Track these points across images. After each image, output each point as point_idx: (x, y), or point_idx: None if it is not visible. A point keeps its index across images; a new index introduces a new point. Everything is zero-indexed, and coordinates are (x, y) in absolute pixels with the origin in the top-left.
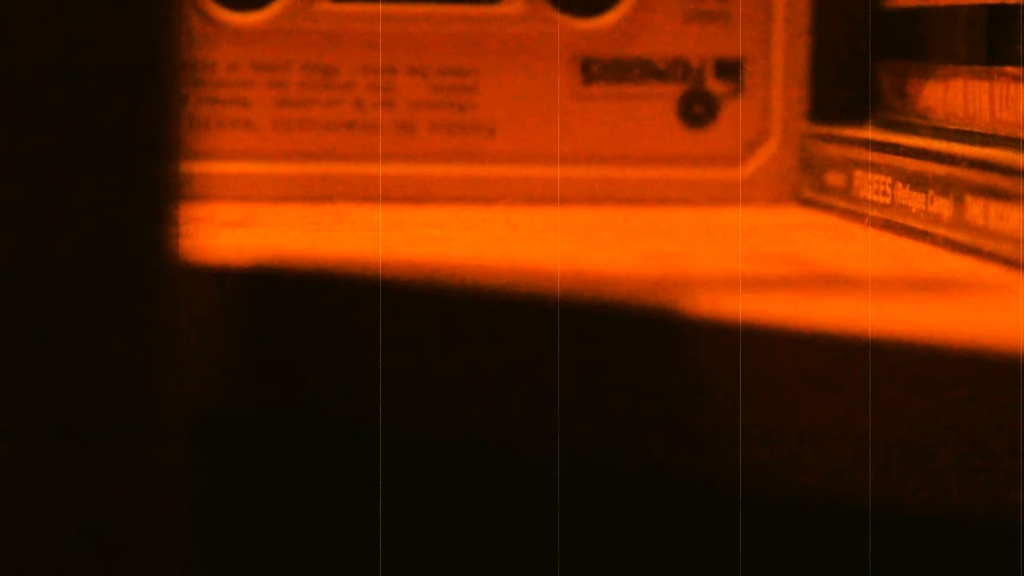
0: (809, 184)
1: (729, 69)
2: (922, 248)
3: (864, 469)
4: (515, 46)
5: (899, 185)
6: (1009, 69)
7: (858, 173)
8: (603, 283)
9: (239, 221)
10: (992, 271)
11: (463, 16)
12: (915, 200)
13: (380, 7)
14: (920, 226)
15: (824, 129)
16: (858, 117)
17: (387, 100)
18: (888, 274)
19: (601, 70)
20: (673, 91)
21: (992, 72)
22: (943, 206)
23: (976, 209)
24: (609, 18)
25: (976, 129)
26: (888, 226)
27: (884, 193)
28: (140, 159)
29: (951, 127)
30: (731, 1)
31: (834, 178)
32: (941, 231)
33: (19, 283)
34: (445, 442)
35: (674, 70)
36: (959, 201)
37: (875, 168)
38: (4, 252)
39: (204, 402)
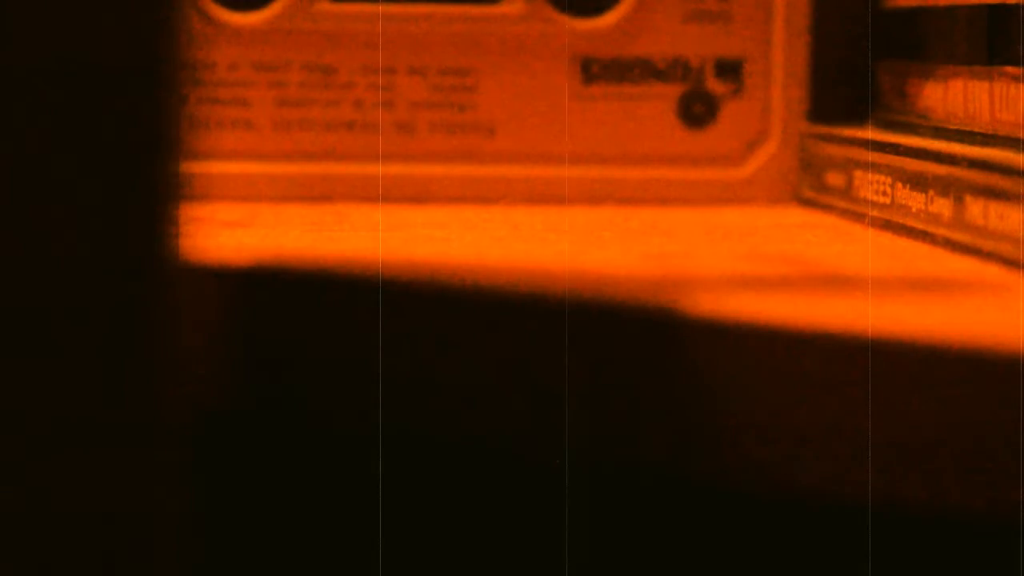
0: (809, 184)
1: (729, 69)
2: (922, 248)
3: (864, 469)
4: (515, 46)
5: (899, 185)
6: (1009, 69)
7: (858, 173)
8: (603, 283)
9: (239, 221)
10: (992, 271)
11: (463, 16)
12: (915, 200)
13: (380, 7)
14: (920, 226)
15: (824, 129)
16: (858, 117)
17: (387, 100)
18: (888, 274)
19: (601, 70)
20: (673, 91)
21: (992, 72)
22: (943, 206)
23: (976, 209)
24: (609, 18)
25: (976, 129)
26: (888, 226)
27: (884, 193)
28: (140, 159)
29: (951, 127)
30: (731, 1)
31: (834, 178)
32: (941, 231)
33: (19, 283)
34: (445, 442)
35: (674, 70)
36: (959, 201)
37: (875, 168)
38: (4, 252)
39: (204, 402)
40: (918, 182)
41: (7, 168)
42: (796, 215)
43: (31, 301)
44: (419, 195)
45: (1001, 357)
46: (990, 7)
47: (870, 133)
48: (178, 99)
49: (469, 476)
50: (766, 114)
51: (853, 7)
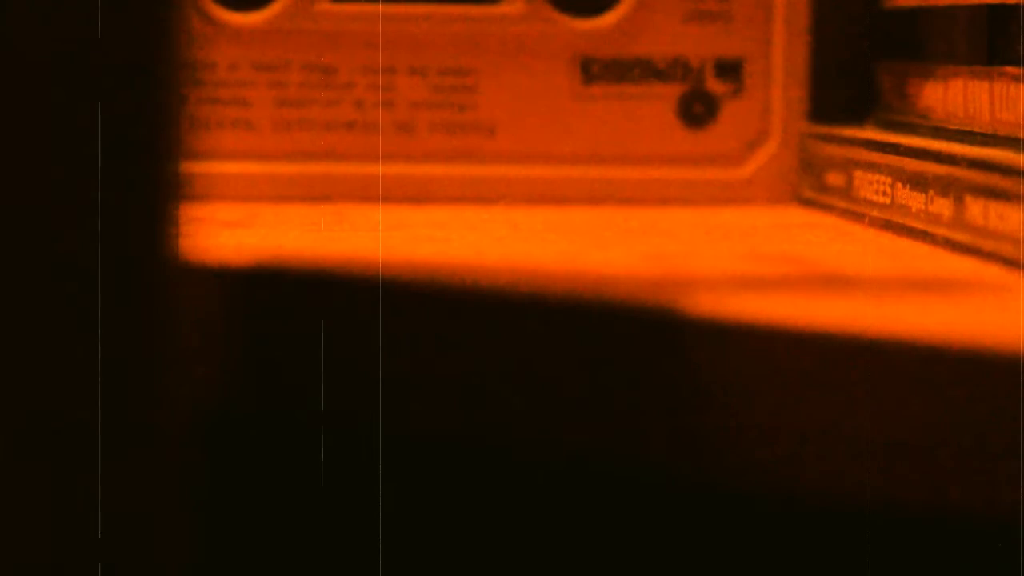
0: (809, 184)
1: (729, 69)
2: (922, 248)
3: (864, 469)
4: (515, 46)
5: (899, 185)
6: (1009, 69)
7: (858, 173)
8: (603, 283)
9: (239, 221)
10: (992, 271)
11: (463, 16)
12: (915, 200)
13: (380, 7)
14: (920, 226)
15: (824, 129)
16: (858, 117)
17: (387, 100)
18: (888, 274)
19: (601, 70)
20: (673, 91)
21: (992, 72)
22: (943, 206)
23: (976, 209)
24: (609, 18)
25: (976, 129)
26: (888, 226)
27: (884, 193)
28: (140, 159)
29: (951, 127)
30: (731, 1)
31: (834, 178)
32: (941, 231)
33: (19, 283)
34: (445, 442)
35: (674, 70)
36: (959, 201)
37: (875, 168)
38: (4, 252)
39: (204, 402)
40: (918, 182)
41: (7, 168)
42: (796, 215)
43: (31, 301)
44: (419, 195)
45: (1001, 357)
46: (990, 7)
47: (870, 133)
48: (178, 99)
49: (469, 476)
50: (766, 114)
51: (853, 7)
